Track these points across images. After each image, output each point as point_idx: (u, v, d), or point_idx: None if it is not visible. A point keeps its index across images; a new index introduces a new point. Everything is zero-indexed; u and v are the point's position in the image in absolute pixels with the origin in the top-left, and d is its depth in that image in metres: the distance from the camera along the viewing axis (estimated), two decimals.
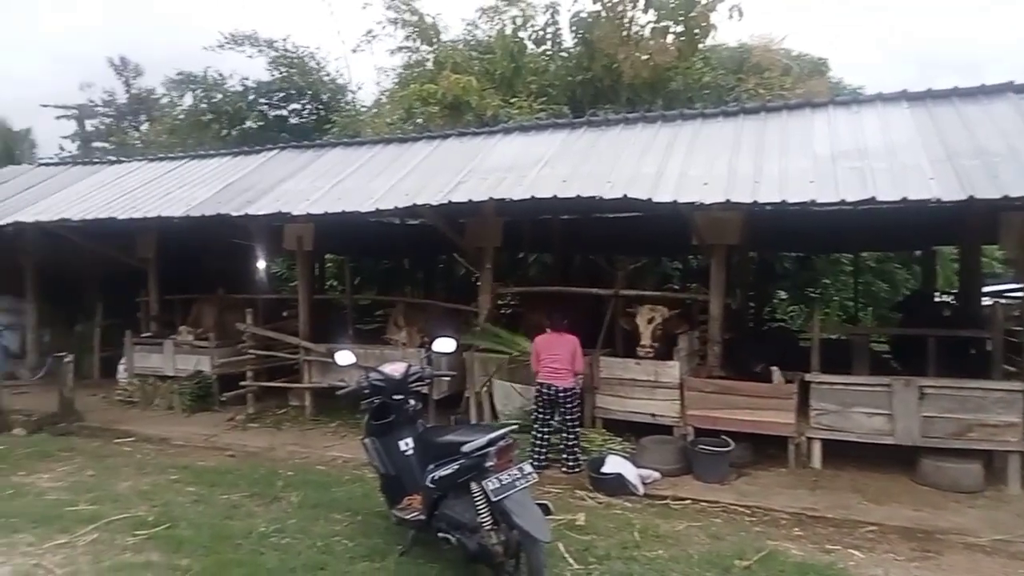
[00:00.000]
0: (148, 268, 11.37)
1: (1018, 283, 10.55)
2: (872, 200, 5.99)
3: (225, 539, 4.97)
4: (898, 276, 16.56)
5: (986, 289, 11.48)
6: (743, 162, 7.19)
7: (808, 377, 6.99)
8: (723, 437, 6.74)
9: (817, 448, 6.89)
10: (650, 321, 7.53)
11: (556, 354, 6.85)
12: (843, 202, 6.13)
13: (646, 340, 7.59)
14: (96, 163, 13.41)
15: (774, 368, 7.24)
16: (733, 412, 7.01)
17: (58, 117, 27.07)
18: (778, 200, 6.29)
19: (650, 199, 6.64)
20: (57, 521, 5.32)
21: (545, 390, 6.86)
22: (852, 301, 15.89)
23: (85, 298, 12.41)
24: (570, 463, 6.86)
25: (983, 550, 5.11)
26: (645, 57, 14.05)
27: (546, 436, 6.97)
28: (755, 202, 6.37)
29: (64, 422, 8.72)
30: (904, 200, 5.91)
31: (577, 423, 6.98)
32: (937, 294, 13.29)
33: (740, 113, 8.59)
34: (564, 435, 6.90)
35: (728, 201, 6.44)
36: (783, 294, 17.30)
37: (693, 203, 6.55)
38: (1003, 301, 10.02)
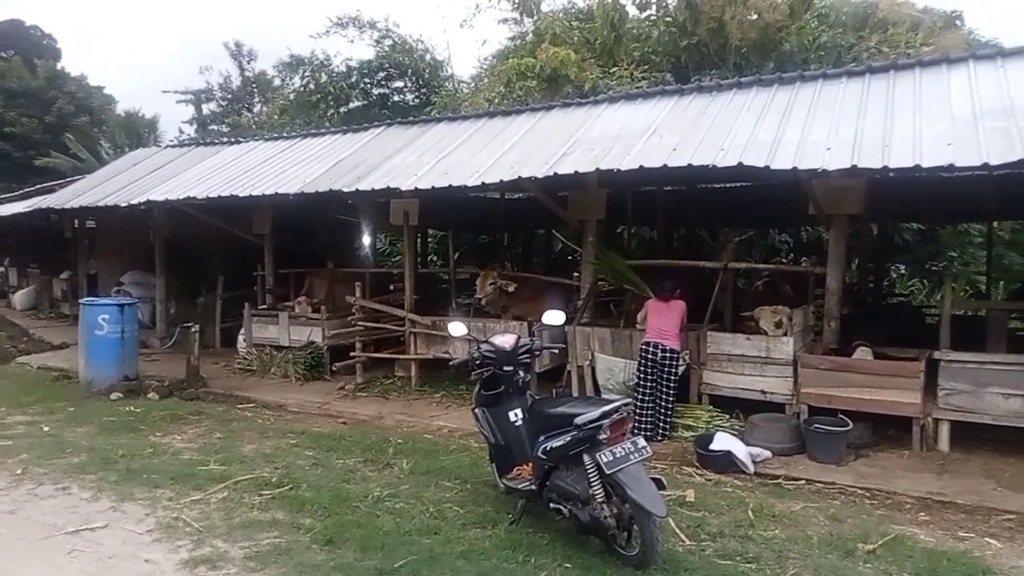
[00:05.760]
0: (264, 243, 11.95)
1: None
2: (1021, 163, 5.44)
3: (343, 501, 5.20)
4: None
5: None
6: (870, 125, 6.69)
7: (937, 355, 6.54)
8: (840, 416, 6.43)
9: (945, 430, 6.47)
10: (778, 324, 7.21)
11: (665, 317, 7.00)
12: (986, 165, 5.58)
13: None
14: (215, 144, 14.16)
15: (863, 346, 6.85)
16: (851, 390, 6.66)
17: (178, 102, 28.90)
18: (911, 165, 5.81)
19: (767, 166, 6.30)
20: (191, 479, 5.72)
21: (652, 349, 6.96)
22: (982, 275, 14.70)
23: (207, 272, 13.21)
24: (662, 429, 6.92)
25: None
26: (754, 16, 13.35)
27: (649, 404, 6.95)
28: (885, 167, 5.91)
29: (192, 388, 9.34)
30: None
31: (675, 389, 7.00)
32: None
33: (866, 72, 7.97)
34: (659, 399, 6.95)
35: (855, 167, 6.01)
36: (903, 268, 16.24)
37: (815, 170, 6.16)
38: None
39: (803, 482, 5.85)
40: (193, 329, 9.76)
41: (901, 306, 11.94)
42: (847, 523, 4.92)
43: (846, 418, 6.38)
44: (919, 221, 14.38)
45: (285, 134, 13.71)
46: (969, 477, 5.88)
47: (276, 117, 23.24)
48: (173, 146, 16.07)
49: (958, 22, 14.55)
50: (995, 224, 13.69)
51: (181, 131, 28.97)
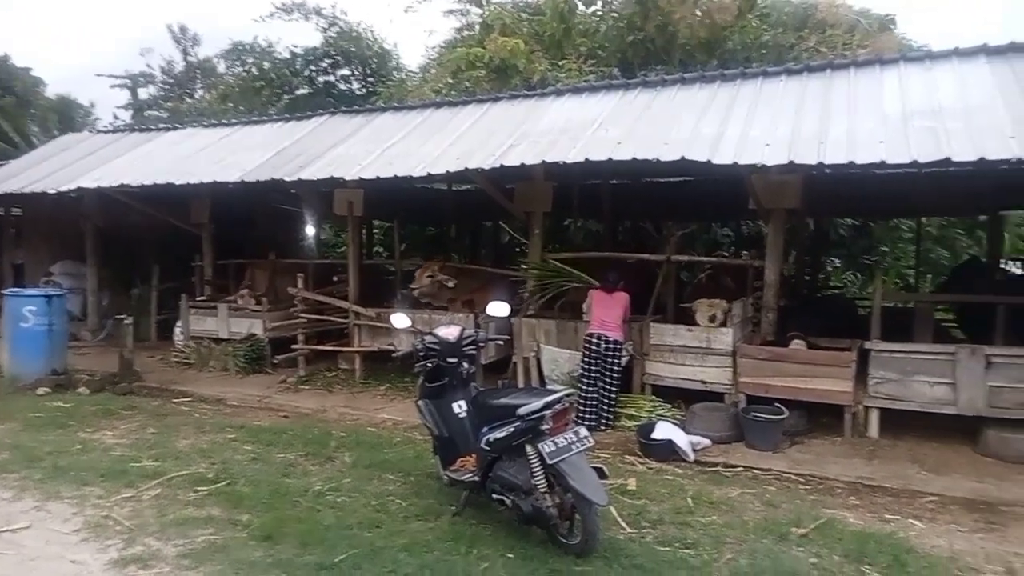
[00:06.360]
0: (202, 233, 11.60)
1: None
2: (946, 161, 5.69)
3: (283, 496, 5.10)
4: (960, 243, 15.92)
5: None
6: (807, 122, 6.90)
7: (868, 345, 6.79)
8: (776, 405, 6.62)
9: (874, 417, 6.72)
10: (712, 319, 7.36)
11: (608, 308, 7.11)
12: (915, 163, 5.82)
13: None
14: (152, 130, 13.63)
15: (797, 338, 7.09)
16: (787, 380, 6.86)
17: (112, 86, 27.71)
18: (845, 161, 6.02)
19: (709, 161, 6.43)
20: (123, 476, 5.52)
21: (596, 341, 7.06)
22: (911, 269, 15.36)
23: (142, 262, 12.76)
24: (605, 418, 7.03)
25: None
26: (701, 15, 13.58)
27: (593, 395, 7.04)
28: (820, 163, 6.11)
29: (125, 382, 9.00)
30: (981, 160, 5.59)
31: (618, 380, 7.11)
32: (1005, 261, 12.72)
33: (805, 71, 8.23)
34: (603, 390, 7.07)
35: (792, 163, 6.19)
36: (837, 261, 16.82)
37: (755, 165, 6.32)
38: None
39: (741, 469, 6.00)
40: (126, 321, 9.42)
41: (835, 298, 12.37)
42: (781, 508, 5.07)
43: (782, 407, 6.57)
44: (853, 216, 14.94)
45: (225, 121, 13.32)
46: (896, 462, 6.12)
47: (218, 104, 22.56)
48: (106, 131, 15.42)
49: (892, 26, 15.10)
50: (924, 220, 14.31)
51: (116, 117, 27.78)
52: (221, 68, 25.44)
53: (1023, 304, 7.62)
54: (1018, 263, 12.70)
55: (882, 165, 6.00)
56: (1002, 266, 12.29)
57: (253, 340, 10.12)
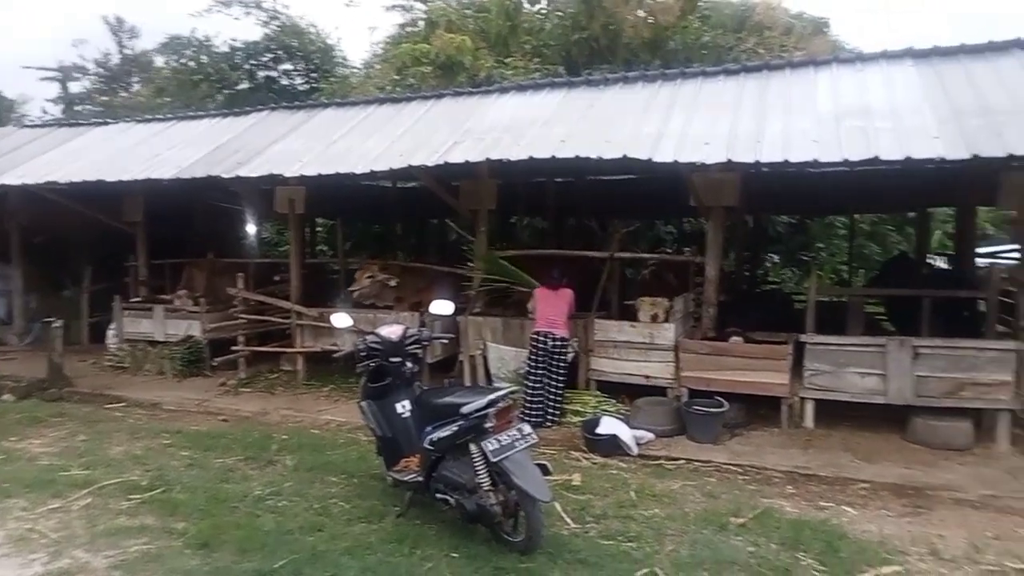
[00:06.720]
0: (136, 232, 11.19)
1: (1013, 244, 10.53)
2: (875, 160, 5.90)
3: (221, 502, 4.96)
4: (890, 239, 16.57)
5: (980, 251, 11.49)
6: (745, 121, 7.06)
7: (803, 338, 7.00)
8: (717, 398, 6.77)
9: (810, 408, 6.92)
10: (654, 318, 7.47)
11: (553, 306, 7.12)
12: (846, 162, 6.04)
13: None
14: (82, 124, 13.08)
15: (735, 334, 7.28)
16: (727, 373, 7.02)
17: (42, 79, 26.49)
18: (780, 160, 6.19)
19: (650, 159, 6.52)
20: (50, 486, 5.28)
21: (542, 339, 7.09)
22: (845, 264, 15.92)
23: (73, 263, 12.25)
24: (551, 415, 7.06)
25: (972, 505, 5.17)
26: (644, 15, 13.78)
27: (539, 392, 7.05)
28: (757, 162, 6.27)
29: (54, 388, 8.64)
30: (908, 159, 5.82)
31: (564, 376, 7.15)
32: (931, 256, 13.29)
33: (742, 72, 8.42)
34: (549, 387, 7.10)
35: (729, 161, 6.34)
36: (776, 258, 17.30)
37: (694, 163, 6.44)
38: (998, 262, 10.04)
39: (683, 461, 6.12)
40: (56, 324, 9.03)
41: (773, 293, 12.71)
42: (721, 499, 5.18)
43: (723, 400, 6.72)
44: (791, 214, 15.40)
45: (161, 116, 12.88)
46: (830, 451, 6.33)
47: (153, 98, 21.79)
48: (33, 126, 14.71)
49: (825, 29, 15.62)
50: (857, 217, 14.85)
51: (45, 111, 26.53)
52: (159, 62, 24.60)
53: (948, 297, 7.99)
54: (944, 258, 13.26)
55: (815, 163, 6.20)
56: (928, 261, 12.83)
57: (191, 342, 9.82)
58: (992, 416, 6.38)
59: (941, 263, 12.82)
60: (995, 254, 11.73)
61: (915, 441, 6.44)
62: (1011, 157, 5.61)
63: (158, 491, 5.19)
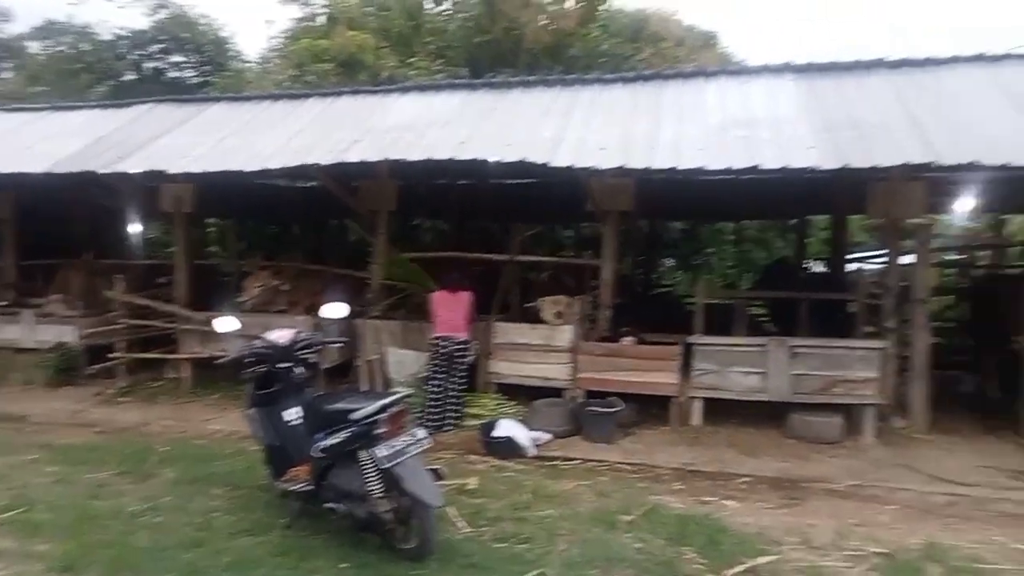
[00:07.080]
0: (3, 230, 10.31)
1: (880, 250, 11.37)
2: (756, 168, 6.24)
3: (90, 520, 4.62)
4: (775, 245, 17.50)
5: (851, 256, 12.33)
6: (639, 129, 7.30)
7: (691, 339, 7.28)
8: (612, 398, 6.93)
9: (698, 407, 7.20)
10: (558, 315, 7.57)
11: (452, 309, 7.09)
12: (730, 169, 6.34)
13: None
14: None
15: (627, 335, 7.53)
16: (621, 374, 7.21)
17: None
18: (670, 167, 6.43)
19: (547, 163, 6.63)
20: None
21: (443, 343, 7.05)
22: (733, 268, 16.70)
23: None
24: (451, 419, 7.03)
25: (841, 494, 5.53)
26: (545, 21, 14.00)
27: (440, 396, 7.00)
28: (648, 168, 6.49)
29: None
30: (785, 168, 6.18)
31: (464, 380, 7.16)
32: (809, 262, 14.14)
33: (638, 80, 8.71)
34: (449, 391, 7.08)
35: (623, 167, 6.52)
36: (670, 261, 17.94)
37: (589, 168, 6.59)
38: (865, 267, 10.80)
39: (578, 461, 6.23)
40: None
41: (665, 296, 13.18)
42: (613, 497, 5.30)
43: (618, 400, 6.89)
44: (682, 219, 16.00)
45: (32, 106, 11.95)
46: (716, 447, 6.61)
47: (27, 86, 20.15)
48: None
49: (714, 42, 16.39)
50: (744, 223, 15.62)
51: None
52: (34, 48, 22.80)
53: (823, 299, 8.52)
54: (820, 263, 14.14)
55: (701, 171, 6.48)
56: (806, 265, 13.65)
57: (64, 349, 9.14)
58: (860, 411, 6.85)
59: (818, 267, 13.65)
60: (865, 259, 12.62)
61: (792, 436, 6.82)
62: (874, 168, 6.05)
63: (18, 511, 4.78)
